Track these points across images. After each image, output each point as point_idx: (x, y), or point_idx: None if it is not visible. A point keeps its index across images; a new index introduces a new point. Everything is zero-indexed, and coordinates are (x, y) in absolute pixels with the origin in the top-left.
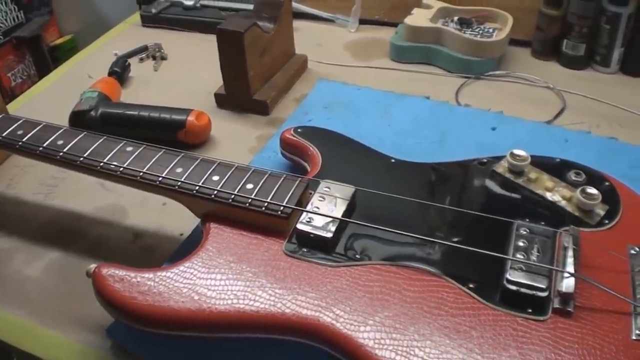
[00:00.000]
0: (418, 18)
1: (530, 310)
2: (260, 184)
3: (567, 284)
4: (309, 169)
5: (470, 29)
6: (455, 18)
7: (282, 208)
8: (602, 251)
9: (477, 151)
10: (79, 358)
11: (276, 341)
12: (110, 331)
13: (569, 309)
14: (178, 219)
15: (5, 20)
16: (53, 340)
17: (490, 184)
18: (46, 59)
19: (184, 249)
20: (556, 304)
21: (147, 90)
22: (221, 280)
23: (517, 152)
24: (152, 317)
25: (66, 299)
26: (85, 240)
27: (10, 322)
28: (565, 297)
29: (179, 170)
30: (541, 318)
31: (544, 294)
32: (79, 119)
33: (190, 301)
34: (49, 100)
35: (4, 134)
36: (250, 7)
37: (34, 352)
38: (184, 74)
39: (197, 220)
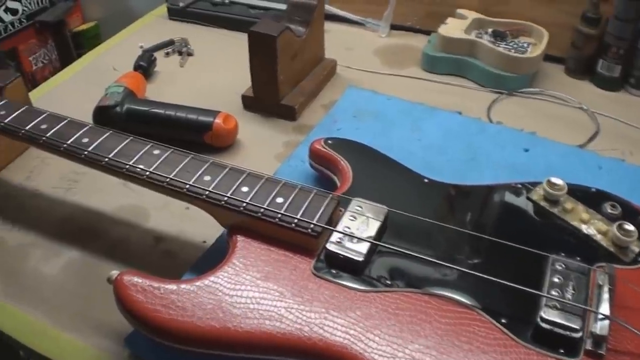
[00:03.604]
0: (452, 28)
1: (562, 351)
2: (291, 198)
3: (602, 326)
4: (338, 183)
5: (505, 43)
6: (490, 30)
7: (312, 226)
8: (636, 291)
9: (509, 173)
10: None
11: None
12: (128, 341)
13: (601, 352)
14: (201, 225)
15: (30, 3)
16: (69, 343)
17: (526, 212)
18: (68, 45)
19: (207, 259)
20: (589, 345)
21: (173, 86)
22: (247, 298)
23: (554, 180)
24: (174, 332)
25: (84, 301)
26: (105, 240)
27: (24, 320)
28: (599, 340)
29: (207, 178)
30: None
31: (578, 335)
32: (104, 114)
33: (214, 318)
34: (72, 91)
35: (27, 127)
36: (280, 5)
37: (48, 354)
38: (210, 72)
39: (221, 228)
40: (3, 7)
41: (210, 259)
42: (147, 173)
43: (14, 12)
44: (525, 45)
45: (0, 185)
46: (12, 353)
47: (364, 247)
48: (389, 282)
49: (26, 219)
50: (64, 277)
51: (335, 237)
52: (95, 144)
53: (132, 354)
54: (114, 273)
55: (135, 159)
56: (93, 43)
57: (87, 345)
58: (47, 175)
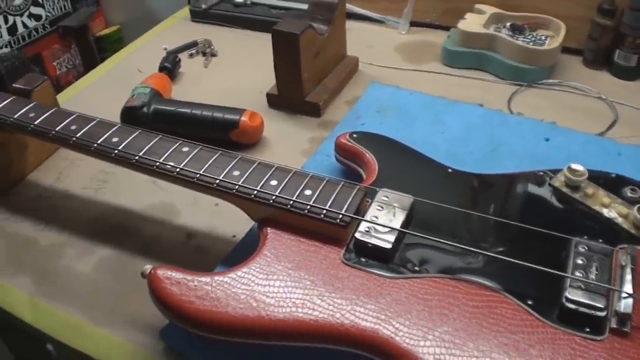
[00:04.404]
0: (471, 23)
1: (588, 330)
2: (319, 190)
3: (626, 304)
4: (364, 175)
5: (523, 36)
6: (508, 24)
7: (340, 216)
8: None
9: (530, 162)
10: (130, 358)
11: (331, 351)
12: (164, 333)
13: (626, 329)
14: (231, 220)
15: (53, 9)
16: (103, 338)
17: (548, 198)
18: (92, 49)
19: (238, 252)
20: (613, 323)
21: (198, 87)
22: (280, 288)
23: (575, 166)
24: (209, 322)
25: (117, 297)
26: (136, 238)
27: (58, 317)
28: (623, 318)
29: (236, 173)
30: (598, 338)
31: (603, 314)
32: (131, 115)
33: (248, 308)
34: (98, 93)
35: (57, 128)
36: (301, 5)
37: (84, 349)
38: (234, 72)
39: (250, 223)
40: (27, 13)
41: (241, 252)
42: (178, 170)
43: (37, 17)
44: (543, 38)
45: (31, 187)
46: (40, 348)
47: (391, 236)
48: (417, 268)
49: (58, 219)
50: (97, 274)
51: (363, 226)
52: (125, 142)
53: (167, 347)
54: (148, 267)
55: (165, 156)
56: (116, 47)
57: (122, 340)
58: (76, 176)
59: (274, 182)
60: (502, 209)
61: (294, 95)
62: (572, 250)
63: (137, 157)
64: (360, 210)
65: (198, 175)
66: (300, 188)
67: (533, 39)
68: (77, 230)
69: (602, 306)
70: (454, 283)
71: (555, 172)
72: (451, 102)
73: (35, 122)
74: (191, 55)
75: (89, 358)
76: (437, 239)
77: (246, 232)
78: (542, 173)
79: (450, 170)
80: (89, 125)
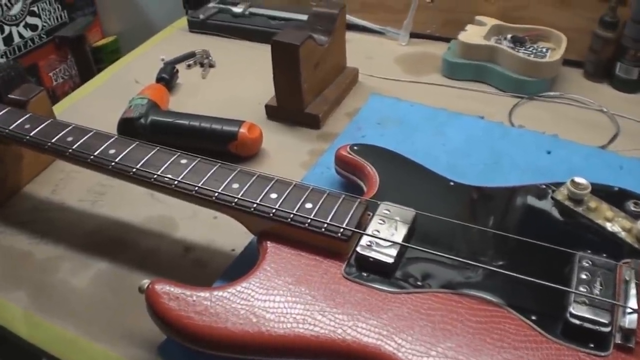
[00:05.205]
0: (472, 35)
1: (592, 345)
2: (319, 203)
3: (630, 319)
4: (365, 188)
5: (524, 48)
6: (509, 36)
7: (342, 230)
8: None
9: (532, 175)
10: None
11: None
12: (162, 349)
13: (630, 345)
14: (229, 234)
15: (49, 19)
16: (101, 354)
17: (551, 211)
18: (89, 60)
19: (237, 266)
20: (618, 339)
21: (195, 98)
22: (280, 303)
23: (578, 180)
24: (208, 338)
25: (114, 312)
26: (134, 251)
27: (54, 333)
28: (627, 333)
29: (236, 186)
30: (602, 354)
31: (607, 329)
32: (128, 126)
33: (248, 323)
34: (95, 104)
35: (53, 140)
36: (300, 16)
37: None
38: (232, 83)
39: (250, 236)
40: (23, 23)
41: (240, 266)
42: (176, 182)
43: (33, 28)
44: (544, 50)
45: (26, 199)
46: None
47: (393, 250)
48: (419, 283)
49: (54, 232)
50: (94, 288)
51: (365, 240)
52: (123, 154)
53: None
54: (146, 282)
55: (163, 168)
56: (113, 58)
57: (119, 356)
58: (73, 188)
59: (273, 195)
60: (505, 222)
61: (293, 107)
62: (576, 264)
63: (134, 170)
64: (361, 224)
65: (196, 188)
66: (301, 201)
67: (534, 51)
68: (73, 244)
69: (606, 322)
70: (457, 298)
71: (558, 185)
72: (452, 114)
73: (31, 134)
74: (189, 66)
75: None
76: (439, 253)
77: (245, 245)
78: (544, 186)
79: (452, 183)
80: (86, 137)
